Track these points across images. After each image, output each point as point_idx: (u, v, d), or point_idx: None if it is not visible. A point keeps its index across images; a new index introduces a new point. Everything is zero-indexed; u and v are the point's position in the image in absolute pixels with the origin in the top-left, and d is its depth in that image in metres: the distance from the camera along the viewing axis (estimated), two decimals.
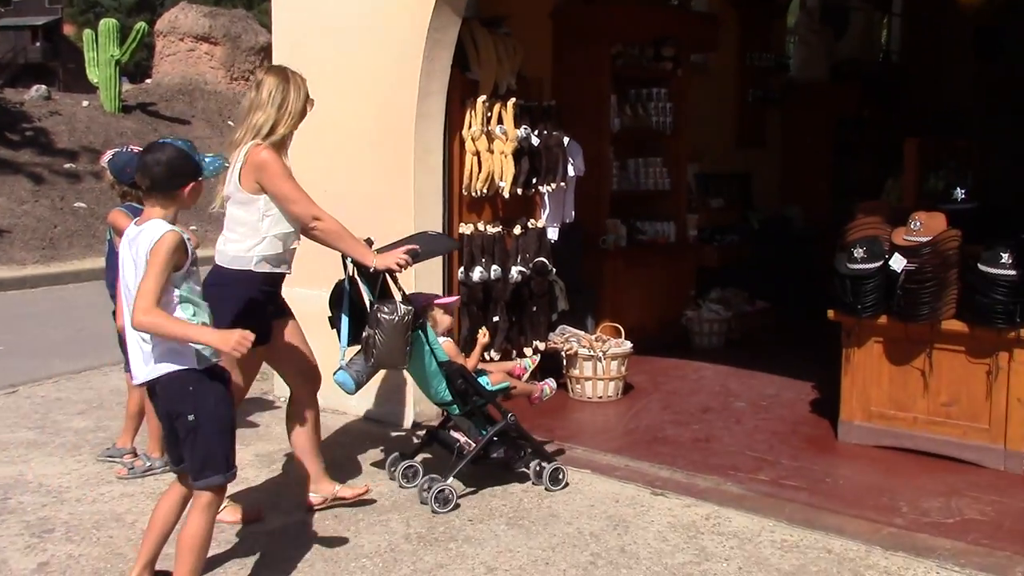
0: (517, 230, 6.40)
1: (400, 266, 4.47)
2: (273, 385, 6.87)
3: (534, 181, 6.44)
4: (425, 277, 5.93)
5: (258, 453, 5.54)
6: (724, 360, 7.78)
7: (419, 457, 5.17)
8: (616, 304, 7.78)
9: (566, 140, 6.70)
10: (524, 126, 6.31)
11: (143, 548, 3.67)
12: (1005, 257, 5.08)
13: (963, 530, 4.40)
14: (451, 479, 4.73)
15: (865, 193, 10.18)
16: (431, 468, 5.02)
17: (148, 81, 22.50)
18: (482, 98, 6.11)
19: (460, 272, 6.17)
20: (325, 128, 5.94)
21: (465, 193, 6.16)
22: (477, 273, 6.14)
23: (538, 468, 4.99)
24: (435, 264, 5.99)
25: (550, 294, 6.61)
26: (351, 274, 4.58)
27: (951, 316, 5.28)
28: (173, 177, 3.42)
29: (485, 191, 6.16)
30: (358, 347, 4.58)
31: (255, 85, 4.36)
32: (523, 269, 6.35)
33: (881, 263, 5.39)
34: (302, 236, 4.41)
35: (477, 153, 6.11)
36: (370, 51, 6.02)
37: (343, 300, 4.59)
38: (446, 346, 4.89)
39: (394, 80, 5.86)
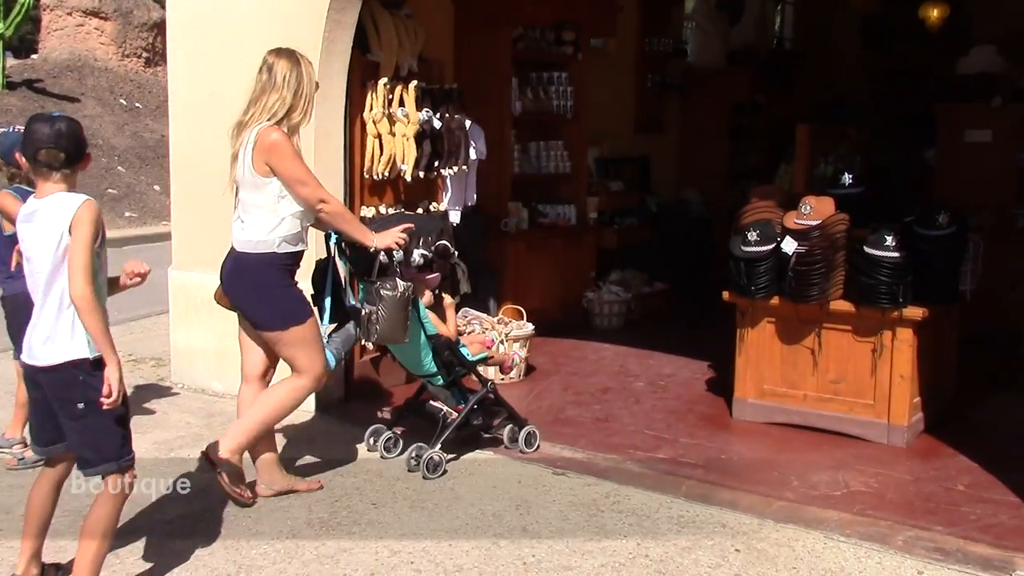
0: (419, 213, 6.39)
1: (399, 245, 4.68)
2: (170, 371, 6.74)
3: (436, 164, 6.43)
4: None
5: (156, 441, 5.43)
6: (624, 341, 7.92)
7: (397, 429, 5.28)
8: (518, 286, 7.85)
9: (468, 123, 6.70)
10: (426, 109, 6.29)
11: (24, 541, 3.60)
12: (889, 240, 5.29)
13: (849, 502, 4.59)
14: (438, 447, 4.93)
15: (759, 176, 10.49)
16: (410, 439, 5.12)
17: (34, 57, 21.63)
18: (383, 80, 6.08)
19: None
20: (219, 108, 5.85)
21: (366, 176, 6.13)
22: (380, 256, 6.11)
23: (512, 433, 5.24)
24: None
25: (452, 277, 6.63)
26: (333, 254, 4.69)
27: (839, 297, 5.48)
28: (80, 147, 3.42)
29: (387, 174, 6.14)
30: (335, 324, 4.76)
31: (265, 68, 4.35)
32: (425, 252, 6.34)
33: (773, 246, 5.56)
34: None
35: (379, 136, 6.08)
36: (268, 30, 5.89)
37: (326, 279, 4.69)
38: (432, 319, 5.07)
39: None
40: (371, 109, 6.06)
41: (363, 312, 4.61)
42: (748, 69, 10.90)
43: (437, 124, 6.38)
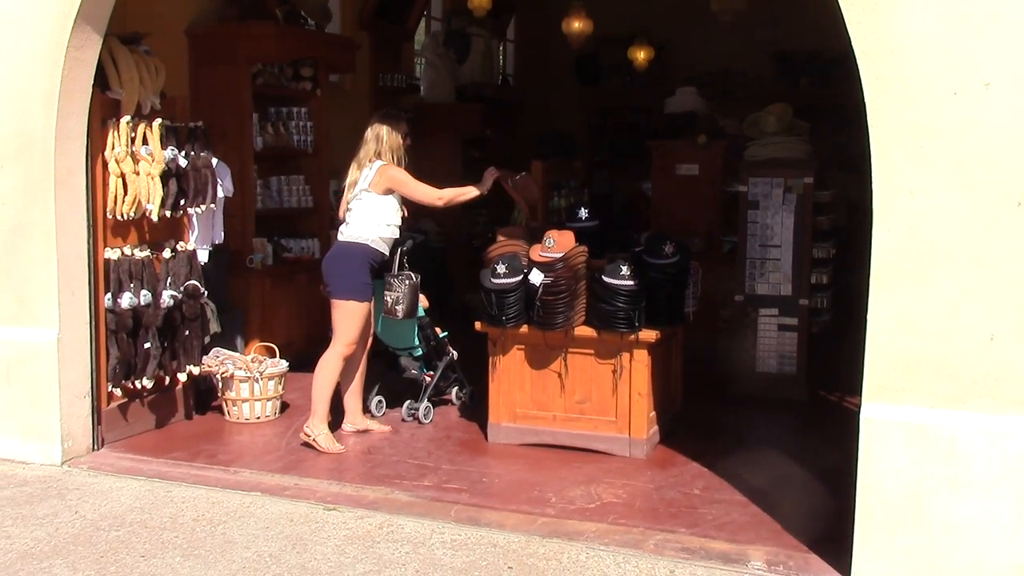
0: (167, 253, 6.25)
1: (496, 180, 6.33)
2: None
3: (182, 203, 6.31)
4: (69, 304, 5.68)
5: None
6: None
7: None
8: (265, 322, 7.84)
9: (215, 161, 6.63)
10: (171, 147, 6.17)
11: None
12: (624, 270, 5.79)
13: (604, 513, 4.99)
14: (426, 400, 6.63)
15: (489, 206, 11.00)
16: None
17: None
18: (126, 118, 5.90)
19: (107, 299, 5.93)
20: None
21: (110, 216, 5.93)
22: (126, 299, 5.93)
23: (460, 392, 6.96)
24: (80, 292, 5.75)
25: (202, 317, 6.52)
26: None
27: (582, 323, 5.92)
28: None
29: (132, 214, 5.96)
30: None
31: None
32: (175, 293, 6.21)
33: (521, 277, 5.92)
34: None
35: (122, 175, 5.89)
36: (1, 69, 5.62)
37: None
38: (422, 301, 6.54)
39: (30, 99, 5.52)
40: (113, 148, 5.86)
41: (388, 298, 6.17)
42: (477, 104, 11.37)
43: (183, 162, 6.27)
